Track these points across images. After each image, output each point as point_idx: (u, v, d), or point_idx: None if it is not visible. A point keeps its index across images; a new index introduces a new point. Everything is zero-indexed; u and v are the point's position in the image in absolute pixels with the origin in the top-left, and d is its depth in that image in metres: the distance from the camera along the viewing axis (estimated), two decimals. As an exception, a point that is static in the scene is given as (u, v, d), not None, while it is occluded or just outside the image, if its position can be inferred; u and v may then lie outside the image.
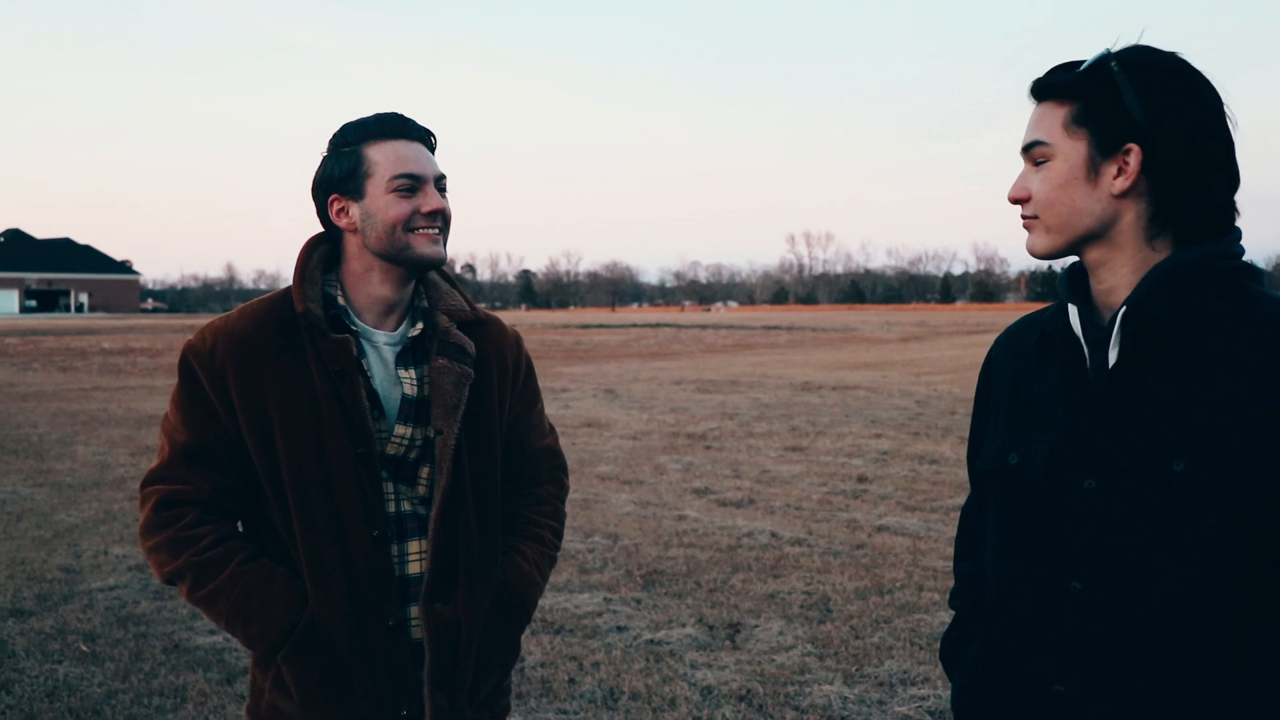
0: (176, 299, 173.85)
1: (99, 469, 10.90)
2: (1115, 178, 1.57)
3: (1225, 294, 1.54)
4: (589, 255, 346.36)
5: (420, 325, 2.15)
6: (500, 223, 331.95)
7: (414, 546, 2.10)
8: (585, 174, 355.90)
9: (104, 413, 16.12)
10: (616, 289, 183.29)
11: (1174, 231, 1.59)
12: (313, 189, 2.14)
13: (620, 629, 5.69)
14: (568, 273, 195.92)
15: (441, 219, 2.11)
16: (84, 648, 5.43)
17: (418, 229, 2.07)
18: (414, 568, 2.10)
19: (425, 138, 2.14)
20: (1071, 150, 1.60)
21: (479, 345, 2.21)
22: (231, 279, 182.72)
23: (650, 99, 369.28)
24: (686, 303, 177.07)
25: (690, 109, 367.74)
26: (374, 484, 2.05)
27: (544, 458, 2.40)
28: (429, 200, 2.08)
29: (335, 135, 2.12)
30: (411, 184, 2.06)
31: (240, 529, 2.13)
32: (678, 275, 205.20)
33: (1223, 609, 1.48)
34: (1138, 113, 1.54)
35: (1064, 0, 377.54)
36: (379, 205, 2.06)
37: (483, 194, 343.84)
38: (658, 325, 61.98)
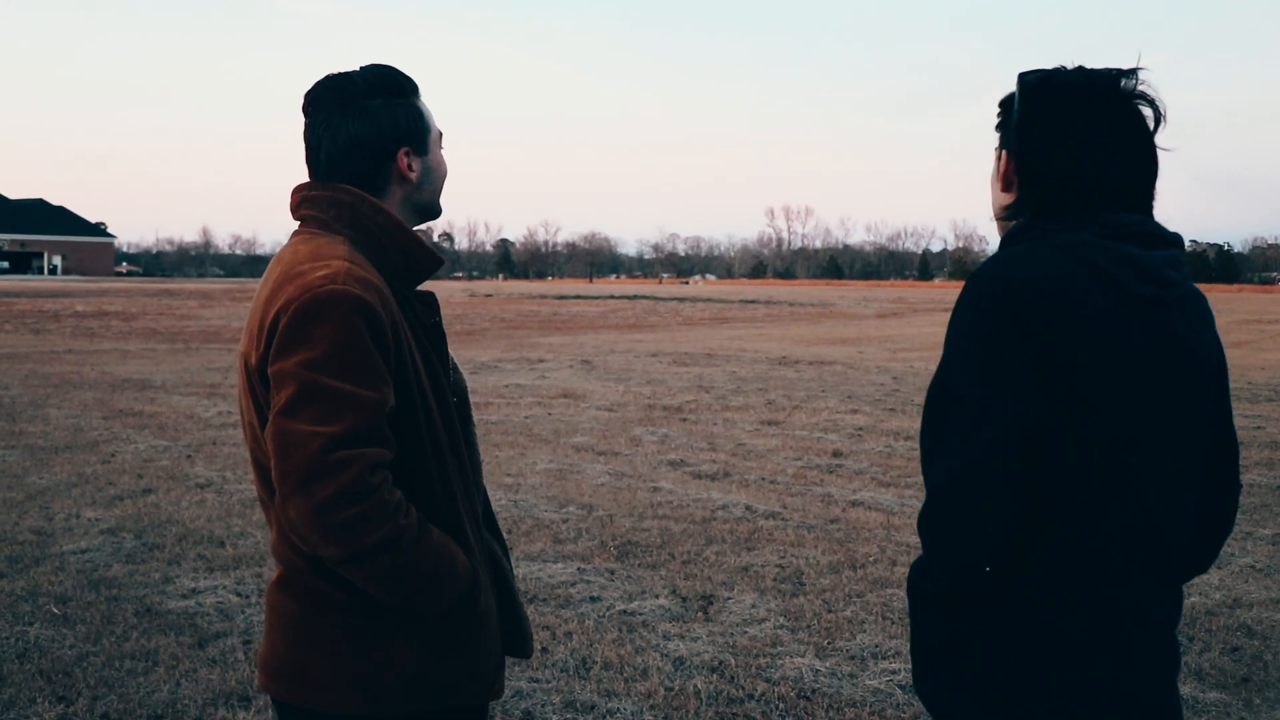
0: (151, 263, 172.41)
1: (72, 432, 10.82)
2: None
3: None
4: (567, 226, 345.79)
5: None
6: (479, 191, 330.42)
7: None
8: (565, 144, 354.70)
9: (77, 375, 16.01)
10: (595, 260, 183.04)
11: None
12: (379, 138, 2.05)
13: (594, 599, 5.71)
14: (546, 243, 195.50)
15: None
16: (55, 610, 5.41)
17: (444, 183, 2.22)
18: None
19: None
20: (996, 153, 1.94)
21: None
22: (207, 243, 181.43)
23: (630, 68, 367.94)
24: (664, 275, 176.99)
25: (671, 79, 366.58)
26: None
27: None
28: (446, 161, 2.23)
29: (385, 82, 2.08)
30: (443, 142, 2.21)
31: None
32: (656, 247, 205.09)
33: None
34: (1013, 123, 1.84)
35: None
36: (437, 160, 2.16)
37: (461, 162, 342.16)
38: (635, 297, 61.99)
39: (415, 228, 2.19)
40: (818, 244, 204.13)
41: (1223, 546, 2.04)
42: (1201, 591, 5.87)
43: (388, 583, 1.87)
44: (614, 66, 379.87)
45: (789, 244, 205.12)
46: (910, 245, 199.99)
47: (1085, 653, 1.74)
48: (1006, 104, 1.89)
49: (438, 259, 2.08)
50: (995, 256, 1.78)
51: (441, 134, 2.17)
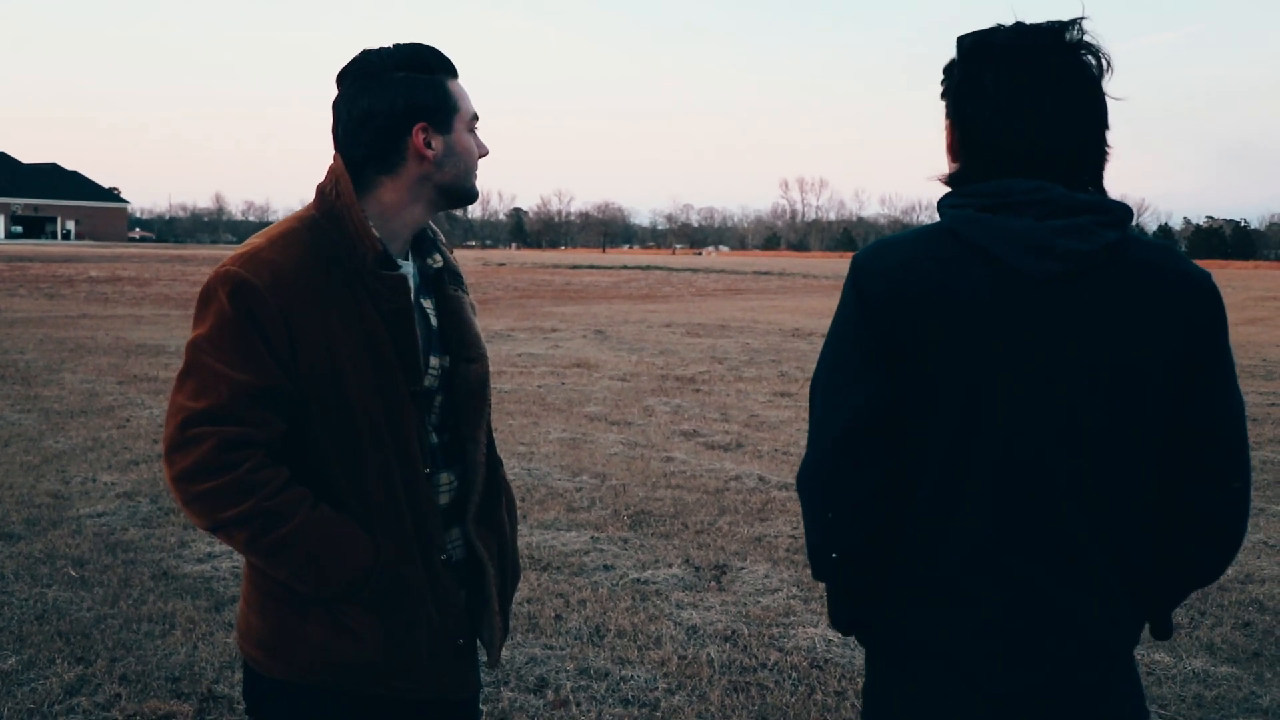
0: (164, 229, 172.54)
1: (87, 396, 10.88)
2: None
3: None
4: (581, 195, 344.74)
5: (439, 257, 2.19)
6: (492, 160, 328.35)
7: (444, 479, 2.14)
8: (579, 113, 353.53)
9: (91, 340, 16.07)
10: (608, 230, 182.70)
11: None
12: (392, 111, 2.02)
13: (607, 568, 5.73)
14: (559, 212, 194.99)
15: None
16: (73, 572, 5.46)
17: (475, 168, 2.16)
18: (443, 499, 2.14)
19: None
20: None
21: None
22: (220, 209, 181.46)
23: (644, 36, 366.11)
24: (678, 246, 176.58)
25: (687, 48, 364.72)
26: (422, 421, 2.07)
27: None
28: (483, 144, 2.16)
29: (411, 58, 2.05)
30: (477, 126, 2.15)
31: None
32: (669, 218, 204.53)
33: None
34: (952, 89, 1.78)
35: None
36: (464, 143, 2.09)
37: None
38: (648, 268, 61.88)
39: (447, 211, 2.19)
40: (832, 216, 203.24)
41: (1227, 552, 1.79)
42: (1214, 567, 5.87)
43: (258, 555, 1.94)
44: (628, 35, 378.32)
45: (803, 216, 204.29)
46: (924, 218, 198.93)
47: (954, 645, 1.71)
48: (948, 70, 1.78)
49: (375, 246, 1.99)
50: (874, 241, 1.78)
51: (476, 117, 2.12)
